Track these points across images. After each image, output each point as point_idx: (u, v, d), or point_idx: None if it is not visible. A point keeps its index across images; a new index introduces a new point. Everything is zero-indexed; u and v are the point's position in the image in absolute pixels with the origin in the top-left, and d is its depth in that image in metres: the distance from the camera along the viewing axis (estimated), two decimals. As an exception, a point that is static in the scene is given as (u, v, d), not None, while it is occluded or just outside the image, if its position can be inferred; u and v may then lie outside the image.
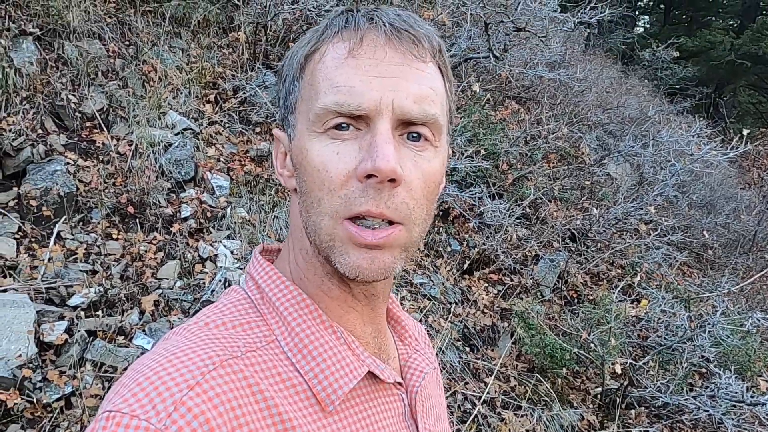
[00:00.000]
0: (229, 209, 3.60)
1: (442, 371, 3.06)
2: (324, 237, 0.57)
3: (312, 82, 0.59)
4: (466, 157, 4.06)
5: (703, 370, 3.70)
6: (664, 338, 3.55)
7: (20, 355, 2.33)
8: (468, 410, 2.96)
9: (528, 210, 4.65)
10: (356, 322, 0.65)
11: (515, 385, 3.29)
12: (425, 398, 0.70)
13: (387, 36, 0.58)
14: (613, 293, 3.50)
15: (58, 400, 2.33)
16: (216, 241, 3.40)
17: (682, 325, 3.49)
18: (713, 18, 18.10)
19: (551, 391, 3.27)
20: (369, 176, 0.54)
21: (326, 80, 0.57)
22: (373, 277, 0.57)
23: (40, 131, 3.55)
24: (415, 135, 0.58)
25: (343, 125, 0.57)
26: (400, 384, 0.67)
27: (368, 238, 0.55)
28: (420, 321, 3.23)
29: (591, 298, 4.14)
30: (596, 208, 4.69)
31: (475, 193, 4.12)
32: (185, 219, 3.47)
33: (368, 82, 0.56)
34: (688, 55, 15.00)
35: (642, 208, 5.09)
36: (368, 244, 0.56)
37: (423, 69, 0.59)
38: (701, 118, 7.51)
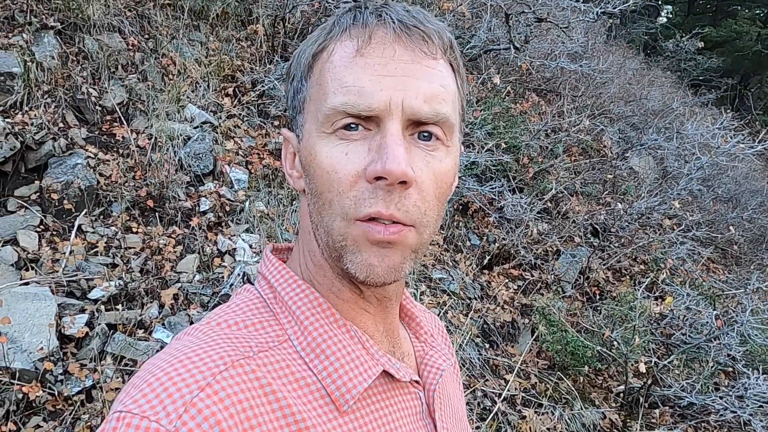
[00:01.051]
0: (247, 203, 3.59)
1: (461, 368, 3.03)
2: (337, 237, 0.57)
3: (320, 82, 0.58)
4: (486, 151, 4.00)
5: (730, 370, 3.62)
6: (690, 336, 3.48)
7: (42, 348, 2.34)
8: (488, 407, 2.92)
9: (549, 204, 4.58)
10: (368, 323, 0.64)
11: (536, 383, 3.24)
12: (443, 396, 0.69)
13: (396, 33, 0.56)
14: (637, 290, 3.42)
15: (79, 392, 2.35)
16: (234, 235, 3.40)
17: (707, 323, 3.41)
18: (739, 7, 17.67)
19: (573, 389, 3.21)
20: (378, 178, 0.54)
21: (335, 80, 0.56)
22: (384, 278, 0.56)
23: (61, 125, 3.57)
24: (426, 134, 0.57)
25: (352, 125, 0.56)
26: (417, 382, 0.65)
27: (381, 232, 0.55)
28: (439, 316, 3.19)
29: (613, 294, 4.06)
30: (619, 203, 4.61)
31: (495, 187, 4.06)
32: (204, 213, 3.47)
33: (377, 82, 0.55)
34: (713, 46, 14.67)
35: (666, 203, 4.99)
36: (380, 240, 0.55)
37: (433, 66, 0.57)
38: (727, 111, 7.33)
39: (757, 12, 17.41)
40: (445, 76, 0.59)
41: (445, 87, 0.58)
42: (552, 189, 4.28)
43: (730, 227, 5.81)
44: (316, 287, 0.62)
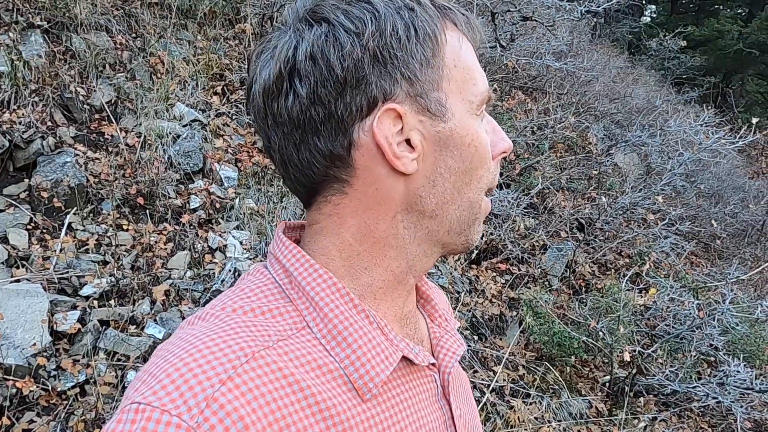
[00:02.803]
0: (237, 200, 3.61)
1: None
2: (475, 210, 0.64)
3: (464, 66, 0.62)
4: (473, 147, 4.05)
5: (712, 359, 3.70)
6: (673, 327, 3.55)
7: (35, 344, 2.36)
8: (477, 398, 2.97)
9: (535, 200, 4.64)
10: (403, 304, 0.66)
11: (524, 374, 3.30)
12: (456, 378, 0.70)
13: (470, 26, 0.64)
14: (622, 282, 3.50)
15: (72, 387, 2.36)
16: (225, 232, 3.42)
17: (690, 313, 3.49)
18: (721, 7, 17.93)
19: (560, 379, 3.28)
20: (500, 154, 0.65)
21: (477, 69, 0.63)
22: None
23: (49, 123, 3.57)
24: None
25: None
26: (433, 365, 0.66)
27: (490, 206, 0.67)
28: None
29: (599, 287, 4.14)
30: (604, 197, 4.68)
31: (483, 183, 4.11)
32: (194, 210, 3.49)
33: None
34: (696, 45, 14.87)
35: (650, 198, 5.08)
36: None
37: None
38: (709, 108, 7.46)
39: (739, 11, 17.68)
40: None
41: None
42: (538, 185, 4.34)
43: (713, 222, 5.92)
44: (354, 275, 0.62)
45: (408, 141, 0.59)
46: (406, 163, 0.59)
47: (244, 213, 3.56)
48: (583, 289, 4.22)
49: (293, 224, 0.69)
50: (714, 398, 3.13)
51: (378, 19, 0.57)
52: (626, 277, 3.77)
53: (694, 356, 3.41)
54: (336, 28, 0.57)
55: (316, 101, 0.57)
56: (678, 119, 6.67)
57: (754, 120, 5.25)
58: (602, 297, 3.52)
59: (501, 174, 4.51)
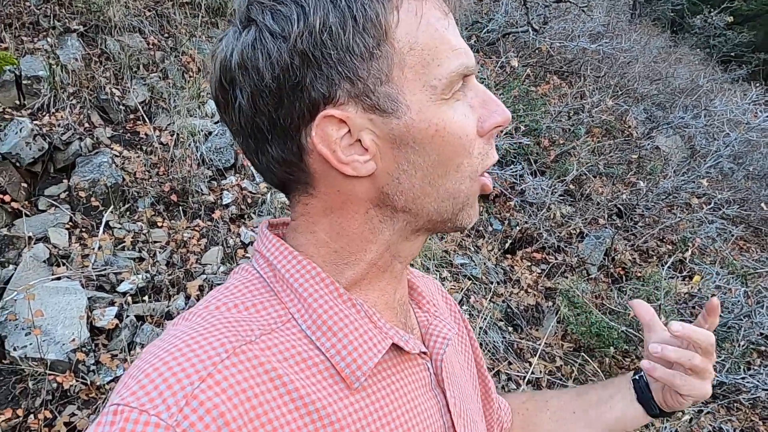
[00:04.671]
0: (269, 195, 3.64)
1: (484, 352, 3.03)
2: (462, 199, 0.59)
3: (423, 47, 0.53)
4: (505, 134, 3.97)
5: (762, 348, 3.54)
6: (720, 315, 3.40)
7: (74, 340, 2.43)
8: (512, 390, 2.92)
9: (572, 187, 4.52)
10: (394, 290, 0.64)
11: (561, 365, 3.22)
12: (451, 365, 0.68)
13: None
14: (662, 268, 3.36)
15: (111, 381, 2.42)
16: (257, 227, 3.45)
17: (738, 301, 3.34)
18: (771, -21, 17.04)
19: (599, 370, 3.19)
20: (492, 129, 0.58)
21: (444, 43, 0.54)
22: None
23: (86, 125, 3.67)
24: None
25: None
26: (424, 353, 0.64)
27: (491, 184, 0.61)
28: (460, 302, 3.20)
29: (639, 275, 4.00)
30: (643, 182, 4.52)
31: (516, 171, 4.03)
32: (227, 206, 3.53)
33: (463, 41, 0.57)
34: (744, 20, 14.19)
35: (694, 182, 4.88)
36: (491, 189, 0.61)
37: None
38: (758, 86, 7.11)
39: (790, -17, 16.76)
40: None
41: None
42: (574, 171, 4.22)
43: (763, 205, 5.65)
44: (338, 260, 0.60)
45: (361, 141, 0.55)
46: (357, 167, 0.55)
47: (275, 207, 3.58)
48: (623, 278, 4.09)
49: (276, 221, 0.68)
50: (765, 389, 2.98)
51: (306, 14, 0.51)
52: (667, 264, 3.62)
53: (743, 346, 3.26)
54: (263, 33, 0.52)
55: (258, 111, 0.54)
56: (724, 98, 6.38)
57: (807, 96, 4.97)
58: (642, 285, 3.40)
59: (535, 161, 4.42)
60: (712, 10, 12.01)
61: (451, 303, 0.85)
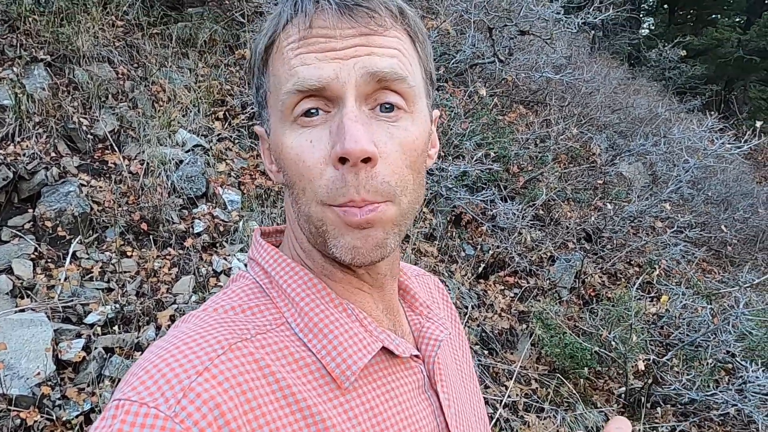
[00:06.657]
0: (241, 223, 3.61)
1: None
2: (316, 222, 0.57)
3: (275, 74, 0.58)
4: (475, 161, 4.05)
5: (729, 365, 3.62)
6: (687, 334, 3.48)
7: (39, 373, 2.34)
8: (489, 414, 2.91)
9: (541, 211, 4.61)
10: (366, 302, 0.64)
11: (536, 388, 3.24)
12: (443, 367, 0.69)
13: (339, 15, 0.55)
14: (632, 289, 3.44)
15: (77, 416, 2.33)
16: (230, 255, 3.41)
17: (704, 320, 3.43)
18: (718, 15, 18.00)
19: (574, 391, 3.21)
20: (342, 160, 0.53)
21: (285, 67, 0.56)
22: (370, 257, 0.56)
23: (53, 154, 3.60)
24: (387, 106, 0.56)
25: (312, 110, 0.55)
26: (416, 356, 0.65)
27: (357, 216, 0.54)
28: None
29: (609, 297, 4.08)
30: (610, 204, 4.64)
31: (487, 197, 4.10)
32: (198, 234, 3.48)
33: (323, 58, 0.55)
34: (696, 54, 14.90)
35: (657, 206, 5.04)
36: (359, 223, 0.54)
37: (383, 39, 0.56)
38: (713, 115, 7.44)
39: (737, 19, 17.74)
40: (398, 43, 0.57)
41: (401, 51, 0.57)
42: (543, 196, 4.32)
43: (723, 227, 5.85)
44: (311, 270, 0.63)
45: None
46: (272, 176, 0.65)
47: (248, 235, 3.55)
48: (594, 300, 4.16)
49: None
50: (734, 405, 3.05)
51: (259, 34, 0.62)
52: (635, 285, 3.71)
53: (711, 363, 3.33)
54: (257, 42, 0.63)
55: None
56: (681, 127, 6.64)
57: (759, 123, 5.22)
58: (613, 306, 3.47)
59: (505, 187, 4.50)
60: (666, 44, 12.58)
61: (449, 302, 0.86)
